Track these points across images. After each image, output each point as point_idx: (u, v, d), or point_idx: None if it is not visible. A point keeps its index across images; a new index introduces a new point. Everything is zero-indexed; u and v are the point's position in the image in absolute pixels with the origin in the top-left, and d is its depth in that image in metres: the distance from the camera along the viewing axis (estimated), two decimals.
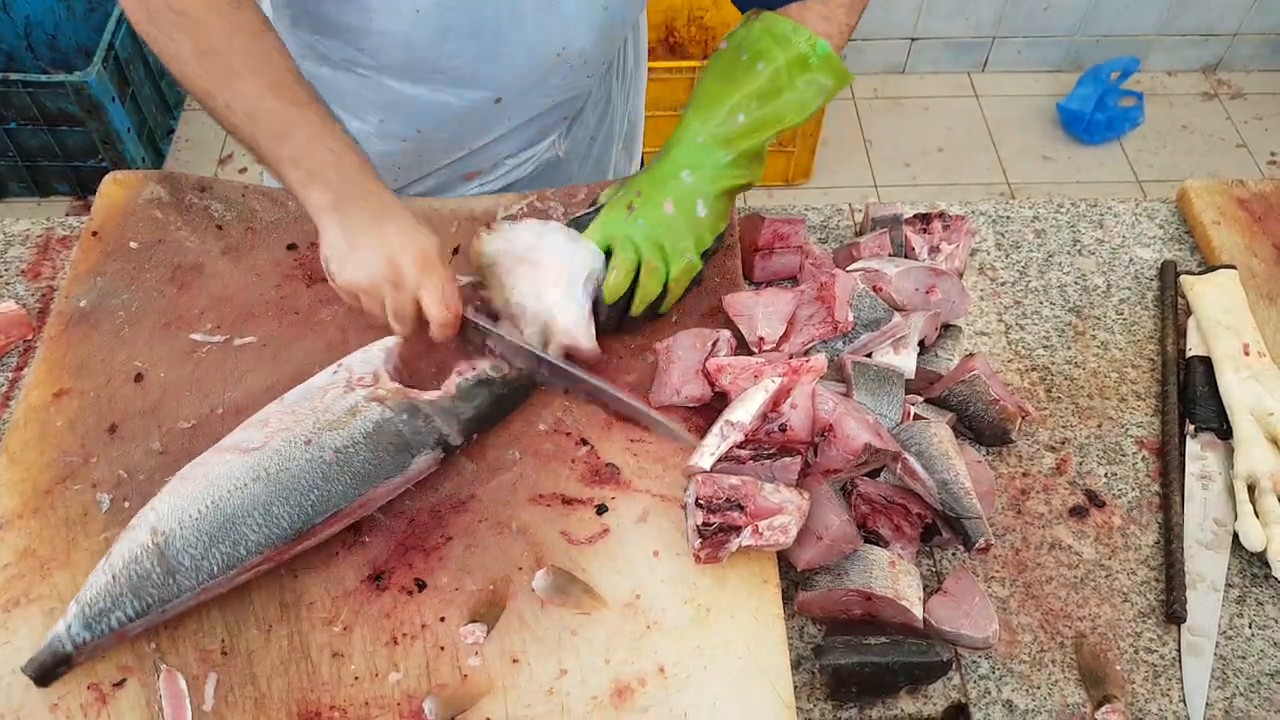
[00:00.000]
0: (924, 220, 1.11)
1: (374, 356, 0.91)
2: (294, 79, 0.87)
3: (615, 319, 0.98)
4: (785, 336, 1.02)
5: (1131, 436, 1.03)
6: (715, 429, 0.88)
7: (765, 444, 0.89)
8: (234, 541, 0.80)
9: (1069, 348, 1.11)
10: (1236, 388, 1.01)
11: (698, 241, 0.94)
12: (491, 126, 1.11)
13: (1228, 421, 1.01)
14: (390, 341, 0.92)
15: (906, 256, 1.10)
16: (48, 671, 0.78)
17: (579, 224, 0.98)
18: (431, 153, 1.14)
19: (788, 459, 0.88)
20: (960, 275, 1.10)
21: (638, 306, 0.95)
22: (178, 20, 0.84)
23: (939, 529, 0.91)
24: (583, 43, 1.03)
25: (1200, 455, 1.01)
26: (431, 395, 0.90)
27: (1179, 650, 0.89)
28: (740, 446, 0.87)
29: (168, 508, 0.81)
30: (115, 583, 0.79)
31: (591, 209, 1.00)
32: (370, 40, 1.00)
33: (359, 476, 0.84)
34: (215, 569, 0.80)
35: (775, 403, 0.89)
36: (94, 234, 1.10)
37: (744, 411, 0.88)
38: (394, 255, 0.85)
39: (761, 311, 1.02)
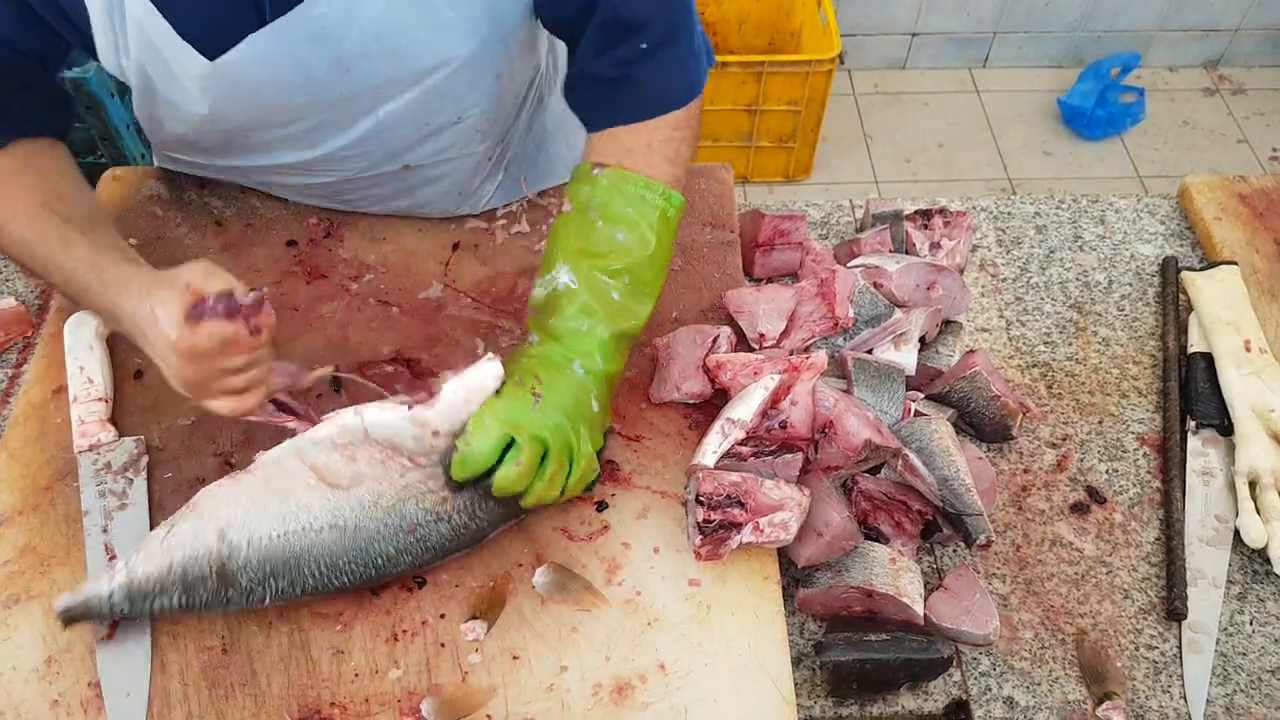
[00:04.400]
0: (925, 216, 1.11)
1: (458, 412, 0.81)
2: (40, 216, 0.83)
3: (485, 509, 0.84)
4: (786, 333, 1.01)
5: (1133, 433, 1.03)
6: (716, 426, 0.88)
7: (766, 441, 0.89)
8: (291, 580, 0.80)
9: (1070, 344, 1.11)
10: (1238, 384, 1.01)
11: (593, 438, 0.84)
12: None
13: (1229, 418, 1.01)
14: (487, 380, 0.82)
15: (907, 253, 1.10)
16: (74, 620, 0.79)
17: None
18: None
19: (789, 456, 0.88)
20: (961, 271, 1.10)
21: (530, 501, 0.82)
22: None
23: (940, 526, 0.91)
24: (483, 105, 0.99)
25: (1201, 451, 1.01)
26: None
27: (1180, 647, 0.89)
28: (741, 443, 0.87)
29: (241, 515, 0.79)
30: (170, 573, 0.78)
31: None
32: (258, 146, 0.99)
33: (433, 549, 0.83)
34: (266, 598, 0.80)
35: (776, 399, 0.89)
36: None
37: (745, 409, 0.88)
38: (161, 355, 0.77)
39: (762, 308, 1.02)
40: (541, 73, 1.10)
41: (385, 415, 0.80)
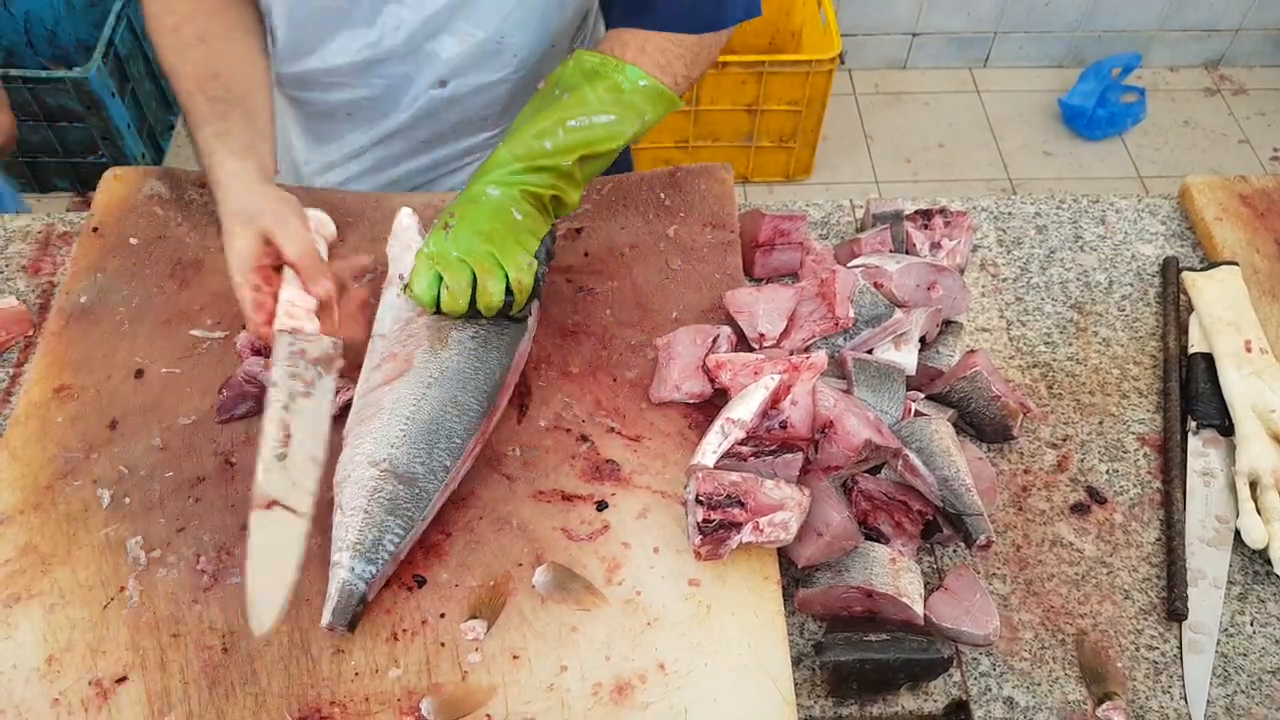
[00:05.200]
0: (925, 216, 1.11)
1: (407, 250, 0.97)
2: (221, 80, 0.95)
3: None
4: (786, 333, 1.01)
5: (1133, 433, 1.03)
6: (716, 426, 0.88)
7: (766, 441, 0.89)
8: (446, 436, 0.88)
9: (1070, 344, 1.10)
10: (1238, 384, 1.01)
11: (524, 244, 0.93)
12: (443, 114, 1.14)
13: (1229, 418, 1.01)
14: (404, 222, 0.99)
15: (907, 252, 1.10)
16: (355, 617, 0.82)
17: None
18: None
19: (789, 456, 0.88)
20: (961, 271, 1.10)
21: (482, 307, 0.91)
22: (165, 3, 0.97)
23: (940, 526, 0.91)
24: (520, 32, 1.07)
25: (1202, 452, 1.01)
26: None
27: (1180, 647, 0.89)
28: (741, 443, 0.87)
29: (370, 445, 0.86)
30: (371, 515, 0.84)
31: None
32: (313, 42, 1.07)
33: (499, 349, 0.93)
34: (447, 463, 0.87)
35: (776, 399, 0.89)
36: (94, 230, 1.10)
37: (744, 409, 0.88)
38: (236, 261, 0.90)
39: (762, 308, 1.02)
40: (582, 40, 1.17)
41: (380, 311, 0.96)
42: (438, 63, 1.07)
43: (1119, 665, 0.88)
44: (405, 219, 0.99)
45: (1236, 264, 1.12)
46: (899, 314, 1.00)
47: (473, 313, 0.92)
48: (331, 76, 1.10)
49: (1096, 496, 0.98)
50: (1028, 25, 2.92)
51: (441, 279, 0.90)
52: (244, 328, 0.95)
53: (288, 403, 0.84)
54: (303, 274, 0.88)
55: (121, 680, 0.80)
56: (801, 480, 0.88)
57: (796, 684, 0.85)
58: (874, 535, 0.91)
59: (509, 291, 0.91)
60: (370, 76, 1.09)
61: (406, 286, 0.91)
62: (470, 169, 1.23)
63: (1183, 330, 1.10)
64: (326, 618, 0.80)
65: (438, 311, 0.91)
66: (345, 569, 0.82)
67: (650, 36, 0.98)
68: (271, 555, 0.78)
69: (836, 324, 1.01)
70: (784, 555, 0.88)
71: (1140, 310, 1.14)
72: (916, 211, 1.12)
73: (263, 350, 0.95)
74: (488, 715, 0.79)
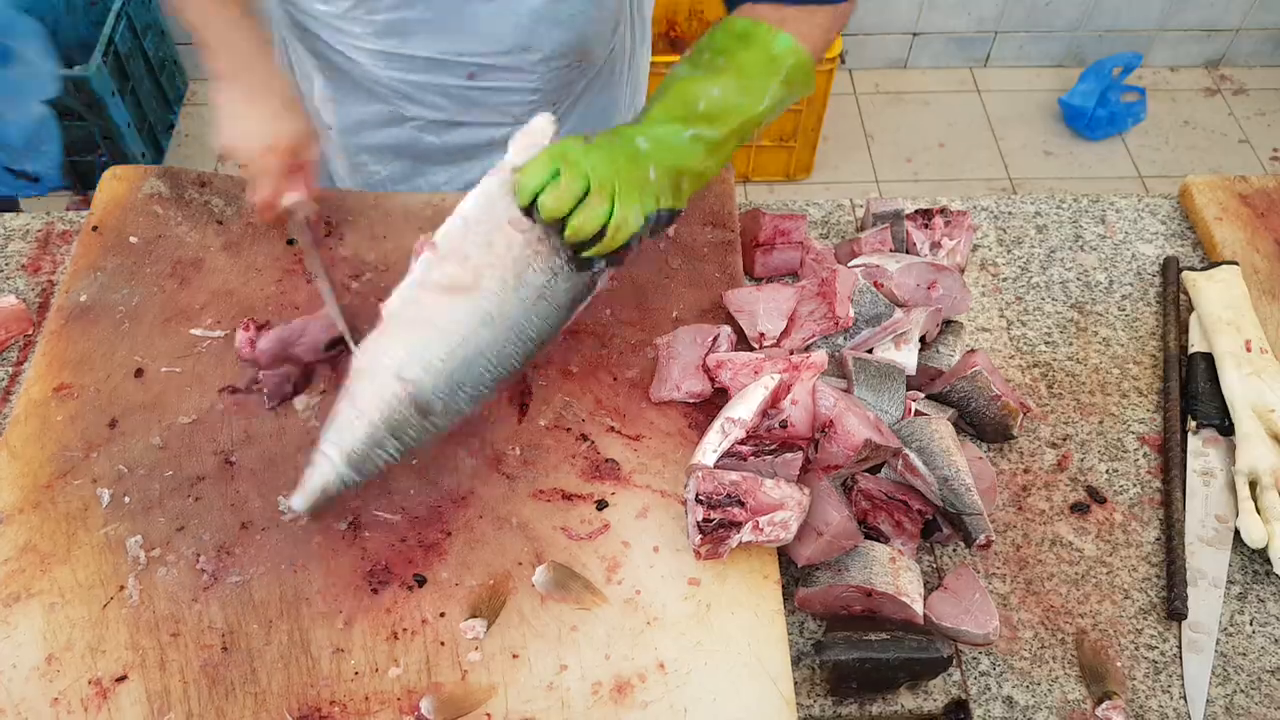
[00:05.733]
0: (925, 216, 1.11)
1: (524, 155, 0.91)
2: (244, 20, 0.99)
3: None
4: (786, 332, 1.01)
5: (1133, 433, 1.03)
6: (716, 425, 0.88)
7: (766, 440, 0.89)
8: (474, 383, 0.87)
9: (1070, 344, 1.10)
10: (1238, 384, 1.01)
11: (643, 201, 0.87)
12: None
13: (1229, 418, 1.01)
14: (540, 129, 0.91)
15: (908, 252, 1.10)
16: (322, 511, 0.87)
17: None
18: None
19: (789, 455, 0.88)
20: (961, 271, 1.10)
21: (570, 233, 0.85)
22: None
23: (940, 525, 0.91)
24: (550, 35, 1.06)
25: (1202, 452, 1.01)
26: None
27: (1180, 647, 0.89)
28: (741, 443, 0.87)
29: (405, 353, 0.86)
30: (376, 429, 0.85)
31: None
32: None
33: (561, 306, 0.90)
34: (463, 407, 0.88)
35: (776, 399, 0.89)
36: (94, 229, 1.10)
37: (744, 408, 0.88)
38: (269, 132, 0.97)
39: (762, 307, 1.02)
40: (614, 48, 1.17)
41: (473, 193, 0.88)
42: (464, 50, 1.07)
43: (1118, 664, 0.88)
44: (544, 123, 0.90)
45: (1236, 264, 1.12)
46: (899, 313, 1.00)
47: (551, 242, 0.87)
48: (350, 25, 1.09)
49: (1096, 496, 0.98)
50: (1028, 25, 2.92)
51: (556, 176, 0.84)
52: (248, 326, 0.97)
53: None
54: (309, 176, 1.00)
55: (121, 679, 0.80)
56: (801, 479, 0.88)
57: (796, 683, 0.85)
58: (874, 534, 0.91)
59: (602, 232, 0.86)
60: (394, 42, 1.09)
61: (516, 170, 0.86)
62: (488, 163, 1.22)
63: (1183, 330, 1.10)
64: (297, 503, 0.85)
65: (527, 212, 0.86)
66: (332, 469, 0.84)
67: (783, 8, 0.94)
68: None
69: (837, 323, 1.01)
70: (784, 554, 0.88)
71: (1140, 310, 1.14)
72: (917, 211, 1.12)
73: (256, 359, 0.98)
74: (487, 714, 0.79)
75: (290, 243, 1.11)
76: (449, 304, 0.87)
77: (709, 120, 0.91)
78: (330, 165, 1.27)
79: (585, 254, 0.87)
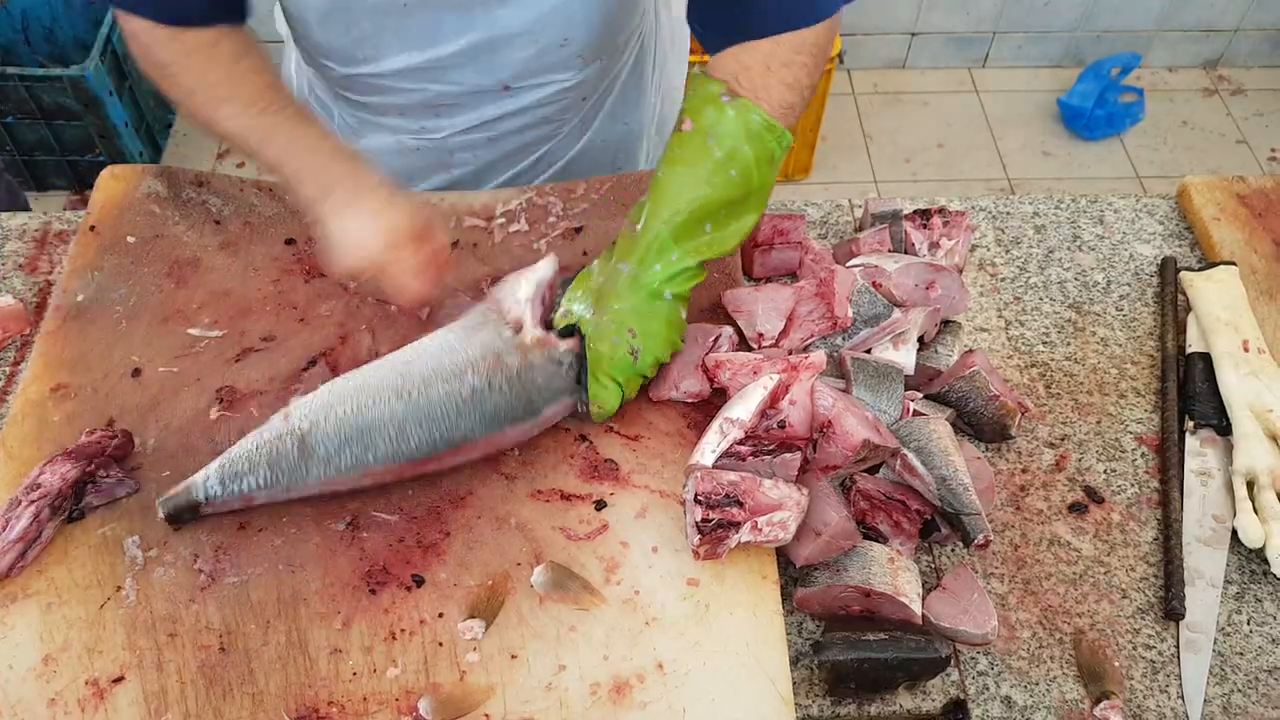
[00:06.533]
0: (924, 216, 1.11)
1: (523, 294, 0.93)
2: (270, 91, 0.93)
3: None
4: (785, 332, 1.01)
5: (1131, 433, 1.03)
6: (715, 425, 0.88)
7: (764, 440, 0.89)
8: (364, 446, 0.87)
9: (1069, 344, 1.11)
10: (1236, 384, 1.01)
11: (681, 329, 0.95)
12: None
13: (1227, 418, 1.01)
14: (543, 271, 0.94)
15: (906, 252, 1.10)
16: (179, 514, 0.87)
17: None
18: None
19: (787, 455, 0.88)
20: (960, 271, 1.10)
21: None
22: (162, 72, 0.94)
23: (938, 525, 0.91)
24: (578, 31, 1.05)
25: (1199, 452, 1.01)
26: (571, 344, 0.93)
27: (1177, 646, 0.89)
28: (740, 443, 0.87)
29: (319, 402, 0.88)
30: (256, 453, 0.86)
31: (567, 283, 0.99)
32: (366, 48, 1.03)
33: (489, 419, 0.89)
34: (344, 466, 0.87)
35: (774, 399, 0.89)
36: (91, 229, 1.10)
37: (743, 408, 0.88)
38: (387, 228, 0.90)
39: (761, 307, 1.02)
40: (641, 44, 1.18)
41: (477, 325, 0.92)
42: (500, 68, 1.06)
43: (1116, 664, 0.88)
44: (548, 270, 0.95)
45: (1234, 264, 1.12)
46: (897, 313, 1.00)
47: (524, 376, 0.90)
48: (385, 80, 1.08)
49: (1094, 496, 0.98)
50: (1027, 25, 2.92)
51: (622, 392, 0.92)
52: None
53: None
54: (447, 266, 0.94)
55: (118, 680, 0.80)
56: (800, 480, 0.88)
57: (795, 683, 0.85)
58: (872, 535, 0.91)
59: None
60: (428, 82, 1.07)
61: (585, 394, 0.92)
62: (520, 171, 1.22)
63: (1180, 330, 1.10)
64: (162, 501, 0.86)
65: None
66: (201, 476, 0.86)
67: (772, 51, 0.90)
68: None
69: (835, 324, 1.01)
70: (782, 554, 0.88)
71: (1138, 310, 1.14)
72: (915, 211, 1.12)
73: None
74: (486, 715, 0.79)
75: (289, 242, 1.11)
76: (381, 371, 0.90)
77: (716, 245, 0.91)
78: None
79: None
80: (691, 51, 1.37)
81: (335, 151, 0.93)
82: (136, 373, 0.99)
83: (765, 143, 0.89)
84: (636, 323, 0.91)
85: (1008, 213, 1.23)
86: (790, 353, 0.99)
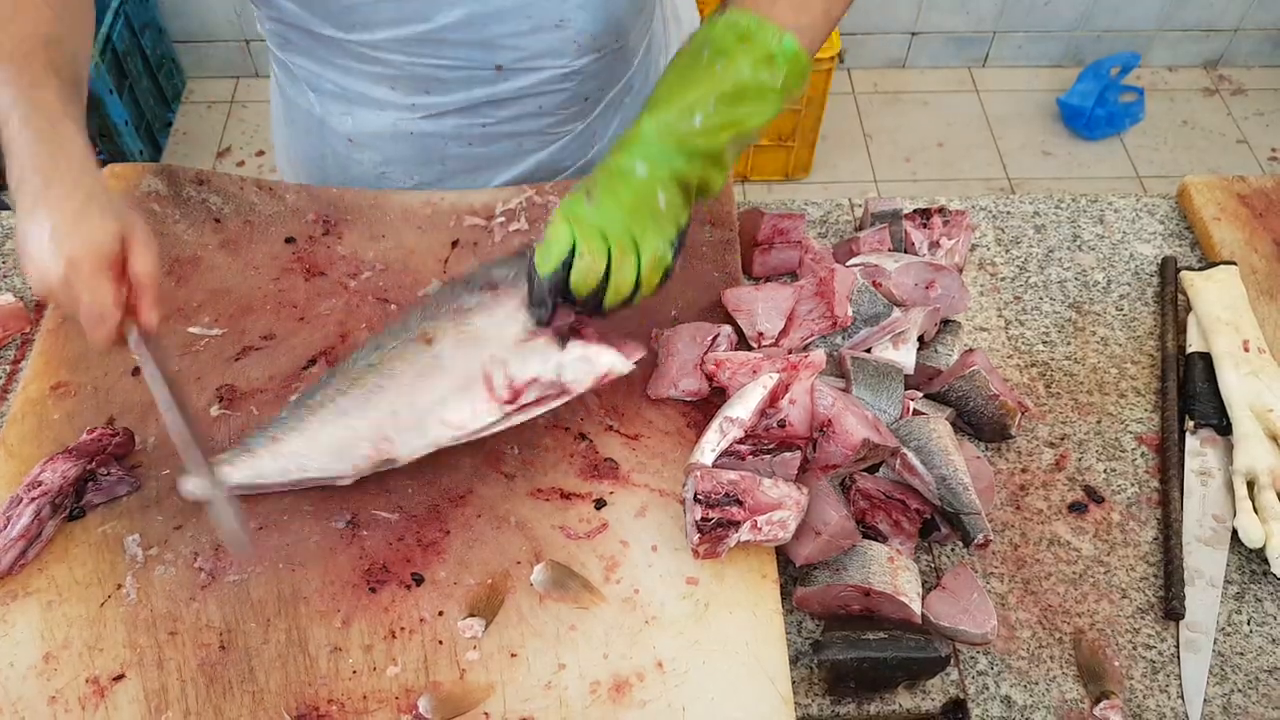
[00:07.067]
0: (924, 215, 1.11)
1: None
2: (34, 49, 0.80)
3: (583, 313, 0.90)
4: (784, 332, 1.01)
5: (1131, 432, 1.03)
6: (715, 425, 0.88)
7: (764, 439, 0.89)
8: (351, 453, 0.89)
9: (1069, 343, 1.11)
10: (1236, 384, 1.01)
11: (663, 233, 0.86)
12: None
13: (1227, 418, 1.01)
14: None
15: (906, 252, 1.10)
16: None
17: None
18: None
19: (787, 454, 0.88)
20: (960, 270, 1.10)
21: (611, 299, 0.85)
22: None
23: (938, 525, 0.91)
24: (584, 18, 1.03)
25: (1200, 451, 1.01)
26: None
27: (1177, 646, 0.89)
28: (740, 442, 0.87)
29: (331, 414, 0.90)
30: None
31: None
32: (359, 14, 1.01)
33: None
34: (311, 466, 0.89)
35: (774, 398, 0.89)
36: None
37: (743, 408, 0.88)
38: (64, 252, 0.74)
39: (760, 307, 1.02)
40: (650, 41, 1.15)
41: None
42: (493, 46, 1.03)
43: (1116, 664, 0.88)
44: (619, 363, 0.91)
45: (1234, 264, 1.12)
46: (897, 313, 1.00)
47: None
48: (379, 51, 1.04)
49: (1094, 495, 0.98)
50: (1027, 25, 2.92)
51: (575, 247, 0.82)
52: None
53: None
54: (145, 294, 0.78)
55: (119, 678, 0.80)
56: (800, 479, 0.88)
57: (794, 682, 0.85)
58: (872, 534, 0.91)
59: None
60: (421, 55, 1.05)
61: (533, 248, 0.85)
62: (520, 175, 1.20)
63: (1181, 330, 1.10)
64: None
65: (553, 287, 0.84)
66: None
67: None
68: None
69: (835, 323, 1.01)
70: (782, 554, 0.88)
71: (1138, 310, 1.14)
72: (915, 210, 1.12)
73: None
74: (485, 713, 0.79)
75: (289, 241, 1.11)
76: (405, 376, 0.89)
77: (706, 135, 0.86)
78: (346, 170, 1.21)
79: (636, 300, 0.85)
80: None
81: (49, 131, 0.77)
82: (137, 371, 0.99)
83: (757, 40, 0.86)
84: (601, 178, 0.85)
85: (1008, 212, 1.23)
86: (790, 352, 0.99)
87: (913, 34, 2.93)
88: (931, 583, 0.90)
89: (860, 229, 1.15)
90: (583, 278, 0.83)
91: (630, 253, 0.84)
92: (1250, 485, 0.96)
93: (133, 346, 0.80)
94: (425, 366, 0.88)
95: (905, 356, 0.98)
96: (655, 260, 0.85)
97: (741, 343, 1.02)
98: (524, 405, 0.88)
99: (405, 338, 0.90)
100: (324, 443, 0.88)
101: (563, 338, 0.88)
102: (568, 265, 0.83)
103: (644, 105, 0.89)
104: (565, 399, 0.89)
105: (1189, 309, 1.11)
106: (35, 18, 0.81)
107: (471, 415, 0.87)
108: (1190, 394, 1.03)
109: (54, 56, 0.81)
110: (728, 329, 0.99)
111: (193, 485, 0.85)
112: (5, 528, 0.84)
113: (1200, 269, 1.13)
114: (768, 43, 0.86)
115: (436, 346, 0.89)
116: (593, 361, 0.87)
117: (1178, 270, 1.15)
